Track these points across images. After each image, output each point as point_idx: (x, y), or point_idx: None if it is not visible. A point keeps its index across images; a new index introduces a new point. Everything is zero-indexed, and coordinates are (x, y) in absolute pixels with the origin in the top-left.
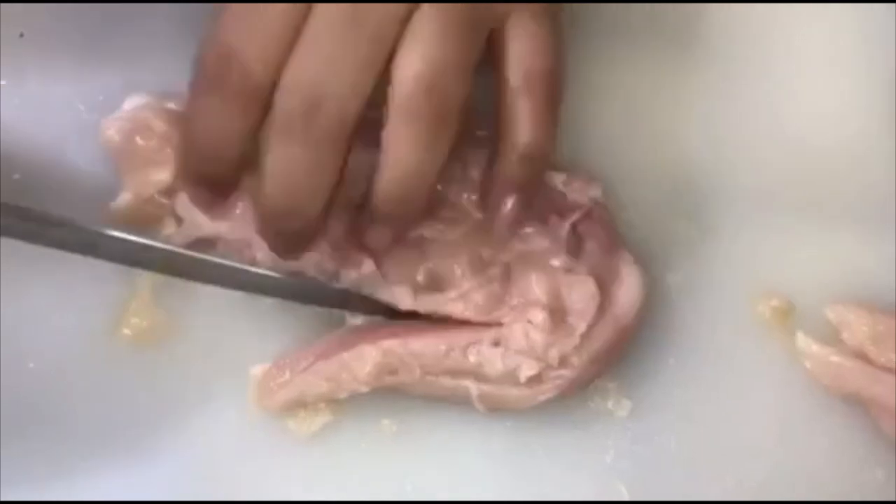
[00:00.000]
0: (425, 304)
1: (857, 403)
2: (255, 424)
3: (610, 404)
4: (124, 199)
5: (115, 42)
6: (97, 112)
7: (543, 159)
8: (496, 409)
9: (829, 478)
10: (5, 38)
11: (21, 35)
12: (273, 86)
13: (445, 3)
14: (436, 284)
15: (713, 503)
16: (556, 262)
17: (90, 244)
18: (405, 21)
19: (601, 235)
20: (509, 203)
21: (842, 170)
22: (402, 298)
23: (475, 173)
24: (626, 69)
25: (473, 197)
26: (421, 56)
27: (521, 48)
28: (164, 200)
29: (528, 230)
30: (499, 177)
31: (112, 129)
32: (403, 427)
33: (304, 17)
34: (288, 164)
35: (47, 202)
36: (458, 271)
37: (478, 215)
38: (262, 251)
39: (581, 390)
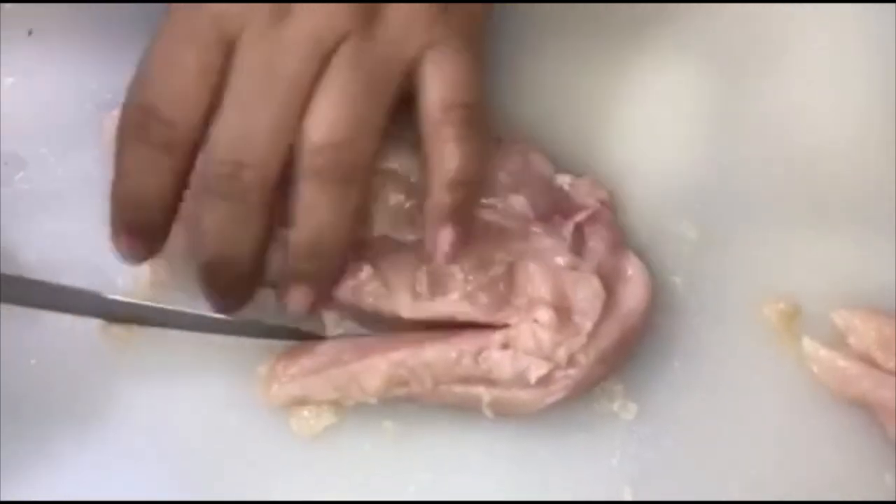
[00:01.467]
0: (427, 309)
1: (863, 408)
2: (257, 424)
3: (615, 407)
4: None
5: (122, 40)
6: (105, 110)
7: (472, 185)
8: (505, 414)
9: (836, 482)
10: (14, 36)
11: (30, 33)
12: (194, 139)
13: (355, 59)
14: (438, 288)
15: (715, 503)
16: (560, 261)
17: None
18: (316, 78)
19: (606, 236)
20: (446, 235)
21: (848, 173)
22: (402, 306)
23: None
24: (632, 73)
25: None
26: (328, 116)
27: (437, 84)
28: None
29: (534, 230)
30: (430, 210)
31: (112, 125)
32: (406, 429)
33: (221, 74)
34: (218, 219)
35: (52, 201)
36: (459, 273)
37: (484, 215)
38: None
39: (587, 392)
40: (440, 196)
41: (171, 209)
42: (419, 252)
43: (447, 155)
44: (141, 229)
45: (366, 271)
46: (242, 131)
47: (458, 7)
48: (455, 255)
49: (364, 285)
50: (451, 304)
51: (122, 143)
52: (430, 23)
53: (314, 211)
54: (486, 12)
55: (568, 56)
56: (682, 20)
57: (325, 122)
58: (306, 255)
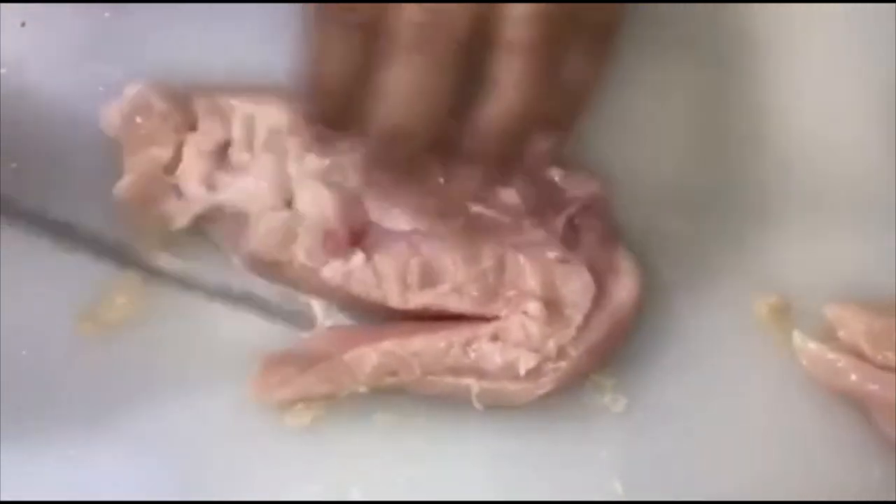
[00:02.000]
0: (417, 299)
1: (853, 401)
2: (248, 416)
3: (606, 400)
4: (127, 180)
5: (115, 33)
6: (97, 102)
7: (584, 99)
8: (495, 405)
9: (826, 475)
10: (6, 27)
11: (23, 24)
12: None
13: None
14: (428, 279)
15: (709, 503)
16: (550, 254)
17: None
18: None
19: (599, 229)
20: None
21: (839, 168)
22: (392, 296)
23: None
24: (628, 69)
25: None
26: None
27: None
28: (166, 177)
29: (525, 223)
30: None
31: (112, 112)
32: (397, 421)
33: None
34: (408, 77)
35: (46, 191)
36: (451, 265)
37: (475, 208)
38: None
39: (577, 384)
40: (554, 102)
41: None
42: (412, 241)
43: (578, 62)
44: (337, 118)
45: (358, 258)
46: None
47: None
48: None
49: (354, 272)
50: (440, 296)
51: (321, 24)
52: None
53: (516, 87)
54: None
55: None
56: (678, 17)
57: None
58: (504, 134)
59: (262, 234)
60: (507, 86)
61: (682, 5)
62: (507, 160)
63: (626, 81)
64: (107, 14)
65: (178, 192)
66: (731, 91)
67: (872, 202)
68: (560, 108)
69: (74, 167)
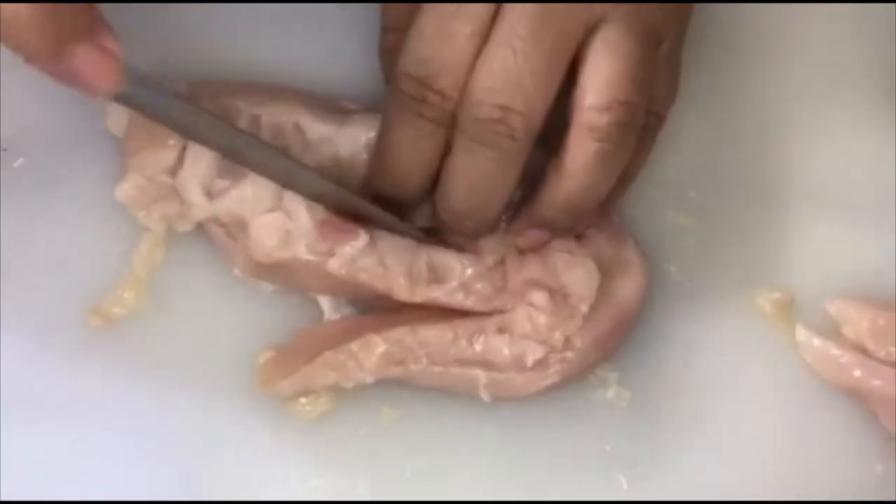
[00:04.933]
0: (425, 294)
1: (856, 397)
2: (255, 410)
3: (610, 395)
4: (130, 179)
5: (120, 29)
6: (101, 99)
7: (631, 179)
8: (502, 396)
9: (828, 471)
10: None
11: None
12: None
13: (631, 13)
14: (435, 276)
15: (712, 502)
16: (554, 245)
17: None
18: (590, 32)
19: (605, 224)
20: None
21: (844, 164)
22: (398, 288)
23: None
24: None
25: None
26: (615, 69)
27: (660, 85)
28: (168, 180)
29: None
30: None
31: (116, 112)
32: (403, 414)
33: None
34: (473, 174)
35: (50, 188)
36: (457, 263)
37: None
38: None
39: (582, 377)
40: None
41: (431, 182)
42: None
43: (638, 152)
44: (400, 201)
45: (362, 238)
46: (512, 75)
47: (688, 7)
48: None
49: (359, 260)
50: (448, 293)
51: (395, 115)
52: (676, 10)
53: (588, 170)
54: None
55: None
56: None
57: (610, 77)
58: (564, 211)
59: (259, 237)
60: (579, 168)
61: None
62: (560, 232)
63: None
64: (111, 10)
65: (179, 196)
66: (735, 89)
67: (875, 198)
68: (615, 189)
69: (79, 164)
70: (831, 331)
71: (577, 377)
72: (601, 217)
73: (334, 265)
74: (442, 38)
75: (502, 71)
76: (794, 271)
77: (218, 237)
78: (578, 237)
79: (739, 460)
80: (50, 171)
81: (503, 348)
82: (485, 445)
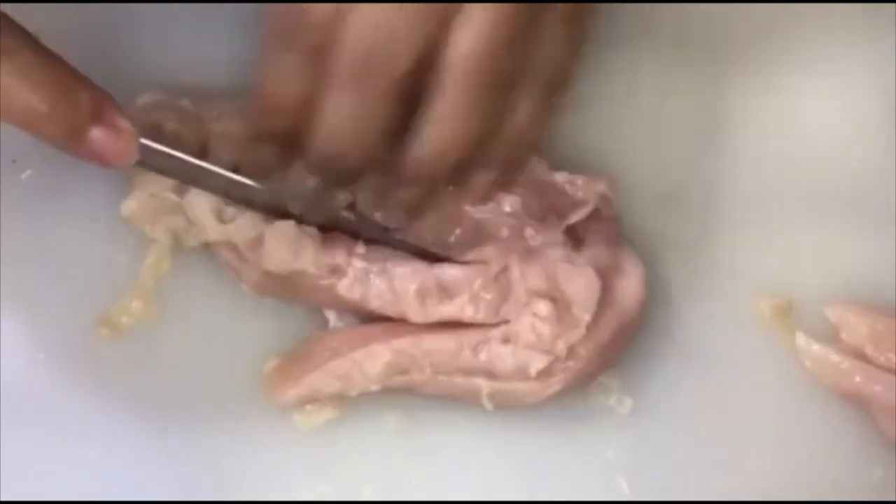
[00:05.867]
0: (438, 313)
1: (855, 402)
2: (261, 418)
3: (612, 402)
4: (134, 197)
5: (123, 40)
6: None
7: (532, 144)
8: (505, 405)
9: (828, 476)
10: None
11: None
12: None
13: None
14: (445, 293)
15: (713, 503)
16: (555, 255)
17: None
18: None
19: (604, 231)
20: (486, 177)
21: (843, 170)
22: (412, 311)
23: None
24: (629, 71)
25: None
26: (481, 25)
27: (546, 49)
28: (174, 198)
29: (528, 229)
30: (487, 153)
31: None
32: (407, 422)
33: None
34: (340, 111)
35: (58, 199)
36: (463, 277)
37: (476, 216)
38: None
39: (585, 385)
40: (503, 145)
41: (310, 117)
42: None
43: (527, 112)
44: (280, 136)
45: (360, 250)
46: (382, 18)
47: None
48: (484, 197)
49: (370, 286)
50: (458, 308)
51: (272, 46)
52: None
53: (455, 117)
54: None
55: None
56: (680, 18)
57: (481, 29)
58: (434, 163)
59: (275, 246)
60: (445, 118)
61: (682, 5)
62: (437, 188)
63: (628, 82)
64: (114, 22)
65: (184, 212)
66: (733, 91)
67: (875, 203)
68: (502, 151)
69: (87, 175)
70: (831, 336)
71: (580, 385)
72: (505, 180)
73: (344, 288)
74: None
75: (376, 13)
76: (793, 277)
77: (228, 260)
78: (577, 246)
79: (740, 466)
80: (58, 182)
81: (507, 358)
82: (489, 452)
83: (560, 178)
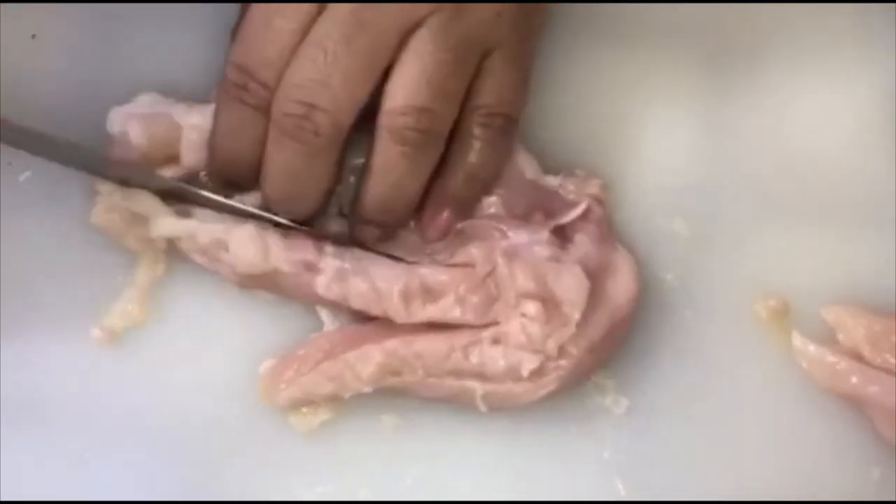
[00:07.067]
0: (422, 314)
1: (852, 403)
2: (256, 420)
3: (607, 402)
4: (100, 205)
5: (122, 42)
6: (105, 112)
7: (485, 182)
8: (499, 407)
9: (825, 476)
10: (17, 38)
11: (33, 37)
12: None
13: (446, 21)
14: (430, 295)
15: (710, 503)
16: (540, 255)
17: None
18: (405, 37)
19: (594, 232)
20: (444, 214)
21: (839, 171)
22: (396, 312)
23: None
24: (627, 71)
25: None
26: (415, 80)
27: (494, 88)
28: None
29: (510, 228)
30: (441, 192)
31: (118, 119)
32: (403, 423)
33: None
34: (283, 163)
35: (55, 201)
36: (449, 278)
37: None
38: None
39: (579, 384)
40: (456, 183)
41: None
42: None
43: (477, 151)
44: (235, 183)
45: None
46: (320, 74)
47: (535, 13)
48: (444, 234)
49: (351, 285)
50: (444, 310)
51: (221, 101)
52: (511, 20)
53: (390, 170)
54: (545, 25)
55: (562, 56)
56: (677, 19)
57: (410, 84)
58: (377, 209)
59: (240, 251)
60: (385, 168)
61: (682, 6)
62: (389, 227)
63: (625, 83)
64: (113, 24)
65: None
66: (731, 93)
67: (871, 205)
68: (455, 190)
69: (84, 178)
70: (828, 337)
71: (573, 384)
72: (458, 217)
73: (322, 287)
74: (266, 32)
75: (311, 69)
76: (790, 278)
77: (203, 263)
78: (564, 244)
79: (736, 467)
80: (55, 184)
81: (498, 359)
82: (484, 453)
83: (552, 180)
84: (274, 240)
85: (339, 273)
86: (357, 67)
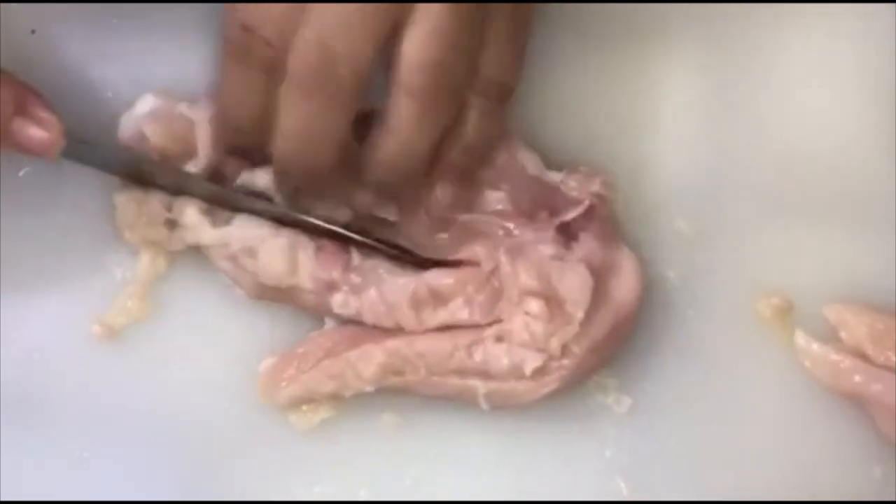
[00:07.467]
0: (433, 320)
1: (855, 402)
2: (256, 418)
3: (610, 401)
4: (121, 201)
5: (122, 40)
6: (108, 107)
7: (484, 152)
8: (502, 405)
9: (827, 475)
10: (18, 34)
11: (33, 32)
12: (288, 52)
13: None
14: (440, 299)
15: (712, 503)
16: (545, 253)
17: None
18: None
19: (598, 230)
20: (448, 187)
21: (842, 169)
22: (407, 321)
23: None
24: (629, 70)
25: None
26: (429, 33)
27: (492, 57)
28: (161, 210)
29: (515, 225)
30: (439, 159)
31: (130, 127)
32: (404, 422)
33: None
34: (301, 117)
35: (55, 197)
36: (455, 281)
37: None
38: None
39: (582, 383)
40: (454, 153)
41: (271, 128)
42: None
43: (474, 121)
44: (244, 150)
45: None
46: (339, 20)
47: None
48: (449, 208)
49: (363, 301)
50: (453, 312)
51: (225, 64)
52: None
53: (404, 127)
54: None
55: (564, 55)
56: (679, 19)
57: (426, 37)
58: (387, 169)
59: (269, 262)
60: (399, 126)
61: (682, 6)
62: (398, 193)
63: (627, 82)
64: (113, 21)
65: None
66: (733, 92)
67: (874, 203)
68: (454, 158)
69: (84, 174)
70: (830, 336)
71: (576, 383)
72: (458, 188)
73: (338, 305)
74: None
75: (331, 18)
76: (793, 276)
77: (225, 269)
78: (569, 243)
79: (739, 465)
80: (54, 180)
81: (502, 358)
82: (486, 452)
83: (555, 176)
84: (305, 256)
85: (353, 289)
86: (373, 17)
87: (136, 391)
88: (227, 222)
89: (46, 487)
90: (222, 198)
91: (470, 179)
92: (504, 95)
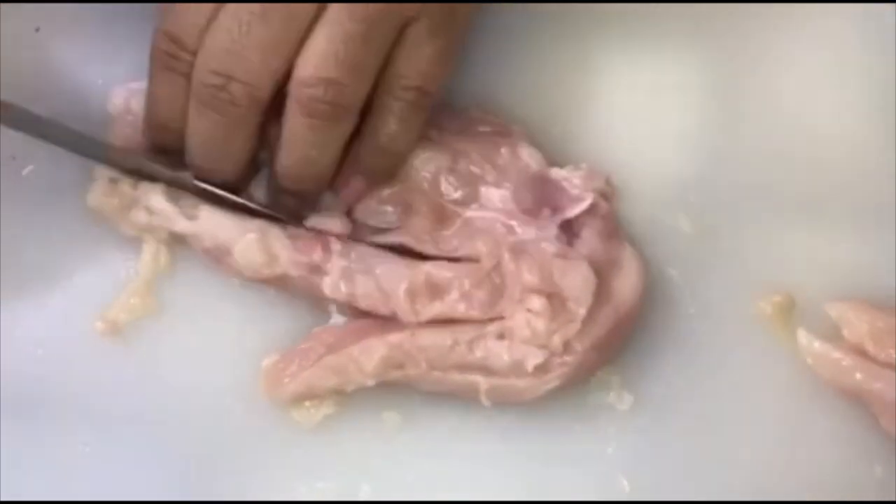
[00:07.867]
0: (429, 311)
1: (856, 399)
2: (258, 415)
3: (611, 398)
4: (96, 188)
5: (122, 34)
6: (107, 104)
7: (398, 155)
8: (503, 402)
9: (828, 473)
10: (21, 31)
11: (37, 30)
12: None
13: (356, 3)
14: (436, 291)
15: (713, 502)
16: (547, 250)
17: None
18: (320, 10)
19: (600, 227)
20: (357, 183)
21: (843, 167)
22: (403, 311)
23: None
24: (630, 68)
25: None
26: (323, 51)
27: (412, 61)
28: (130, 190)
29: (518, 222)
30: (354, 158)
31: (119, 99)
32: (406, 418)
33: None
34: (200, 130)
35: (59, 195)
36: (454, 274)
37: (467, 213)
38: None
39: (583, 380)
40: (367, 154)
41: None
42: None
43: (387, 124)
44: (170, 150)
45: (361, 277)
46: (236, 45)
47: None
48: (355, 200)
49: (357, 289)
50: (449, 305)
51: (153, 69)
52: None
53: (299, 143)
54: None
55: (565, 51)
56: (681, 16)
57: (319, 56)
58: (290, 180)
59: (245, 259)
60: (293, 140)
61: (687, 6)
62: (302, 205)
63: (629, 80)
64: (113, 16)
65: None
66: (735, 90)
67: (875, 201)
68: (370, 162)
69: (87, 172)
70: (832, 334)
71: (578, 380)
72: (372, 186)
73: (329, 287)
74: (189, 7)
75: (226, 40)
76: (794, 274)
77: (209, 262)
78: (572, 240)
79: (741, 463)
80: (58, 178)
81: (503, 354)
82: (487, 449)
83: (557, 173)
84: (280, 244)
85: (344, 273)
86: (272, 39)
87: (138, 387)
88: (195, 207)
89: (49, 483)
90: (181, 182)
91: (386, 178)
92: (420, 99)
